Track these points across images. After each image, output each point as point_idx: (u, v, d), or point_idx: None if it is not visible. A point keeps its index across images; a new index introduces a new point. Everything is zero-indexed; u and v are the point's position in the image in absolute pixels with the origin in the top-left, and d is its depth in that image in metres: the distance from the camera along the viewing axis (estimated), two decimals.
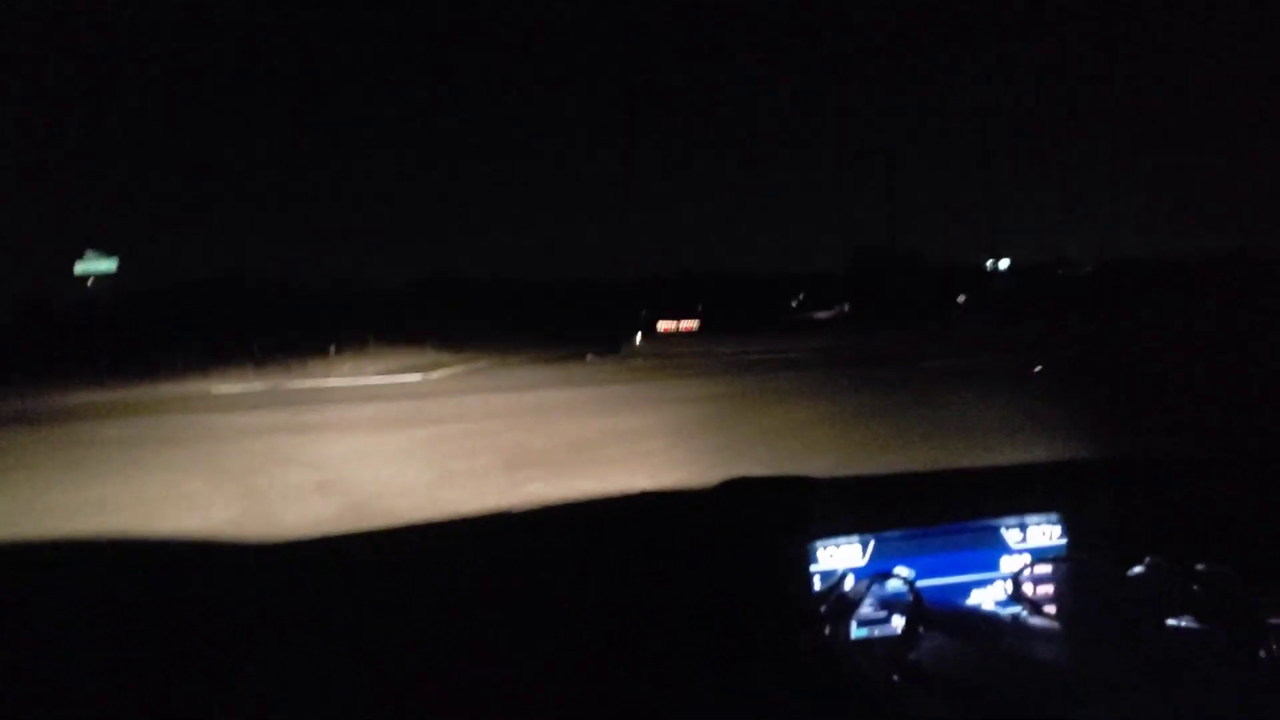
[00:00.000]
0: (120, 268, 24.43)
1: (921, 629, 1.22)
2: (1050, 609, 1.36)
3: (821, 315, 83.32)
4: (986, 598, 1.41)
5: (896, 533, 1.39)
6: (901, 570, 1.35)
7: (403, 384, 22.04)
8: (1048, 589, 1.40)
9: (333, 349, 33.18)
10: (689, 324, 67.89)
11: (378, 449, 9.85)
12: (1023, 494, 1.52)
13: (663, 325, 63.38)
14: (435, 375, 24.48)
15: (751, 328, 53.79)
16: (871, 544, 1.38)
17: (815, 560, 1.35)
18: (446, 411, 13.78)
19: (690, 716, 1.20)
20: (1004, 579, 1.40)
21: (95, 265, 23.78)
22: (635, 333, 53.36)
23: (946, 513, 1.44)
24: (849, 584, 1.33)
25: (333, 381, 23.57)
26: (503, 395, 16.45)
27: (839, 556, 1.36)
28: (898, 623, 1.28)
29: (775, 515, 1.43)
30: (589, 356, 32.06)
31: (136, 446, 10.97)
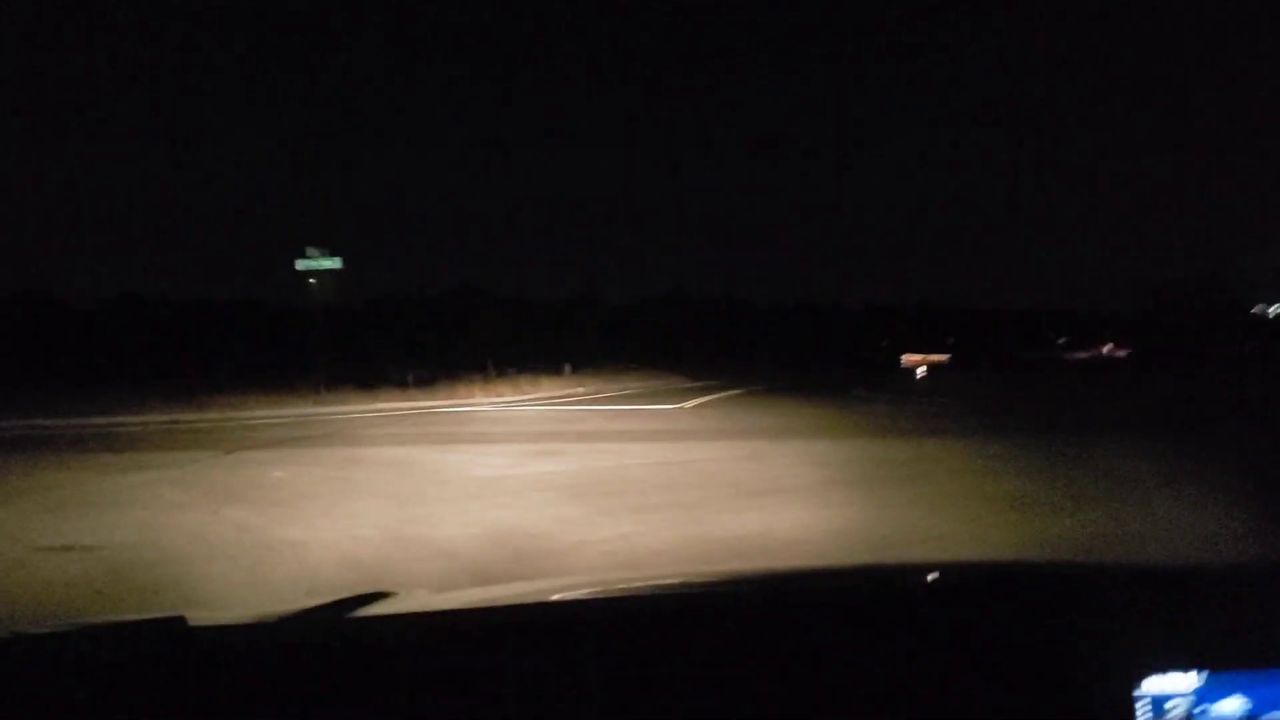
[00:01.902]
0: (344, 270, 21.83)
1: None
2: None
3: (1080, 355, 76.24)
4: None
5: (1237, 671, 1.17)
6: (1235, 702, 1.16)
7: (656, 414, 17.61)
8: None
9: (568, 367, 29.72)
10: (938, 357, 61.64)
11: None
12: None
13: (909, 358, 58.14)
14: (689, 404, 20.07)
15: (1011, 365, 47.08)
16: (1205, 674, 1.16)
17: (1142, 687, 1.15)
18: (739, 472, 9.09)
19: None
20: None
21: (318, 262, 21.30)
22: (907, 365, 47.82)
23: None
24: (1179, 710, 1.16)
25: (572, 406, 19.69)
26: (804, 445, 11.57)
27: (1163, 682, 1.16)
28: None
29: (1081, 625, 1.25)
30: (858, 390, 26.88)
31: (308, 510, 7.04)
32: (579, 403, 21.22)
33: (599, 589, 1.77)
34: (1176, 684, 1.15)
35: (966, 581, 1.48)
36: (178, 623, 1.19)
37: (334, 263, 21.41)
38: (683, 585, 1.72)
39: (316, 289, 21.53)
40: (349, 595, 1.41)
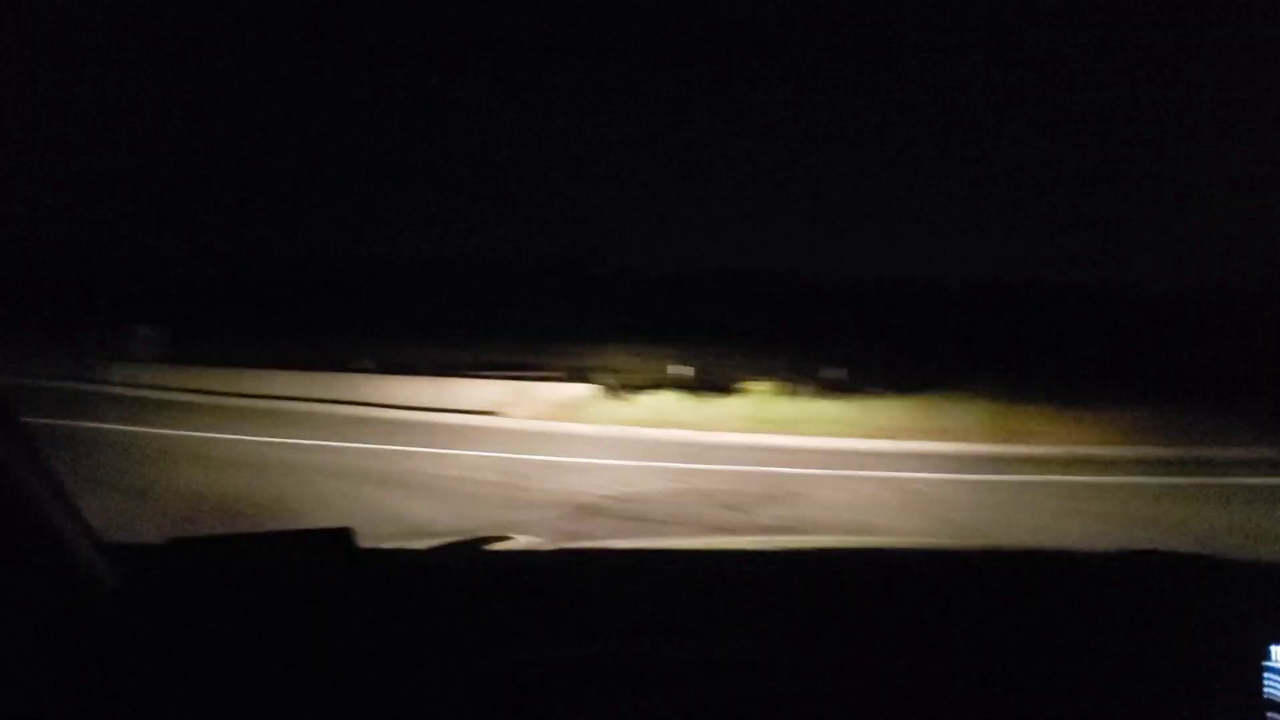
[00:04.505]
0: None
1: None
2: None
3: None
4: None
5: None
6: None
7: None
8: None
9: None
10: None
11: None
12: None
13: None
14: None
15: None
16: None
17: (1271, 658, 1.20)
18: None
19: None
20: None
21: None
22: None
23: None
24: None
25: None
26: None
27: None
28: None
29: (1219, 601, 1.34)
30: None
31: None
32: None
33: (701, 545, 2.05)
34: None
35: (1108, 564, 1.55)
36: (346, 533, 1.30)
37: None
38: (796, 550, 1.86)
39: None
40: (478, 535, 1.58)
